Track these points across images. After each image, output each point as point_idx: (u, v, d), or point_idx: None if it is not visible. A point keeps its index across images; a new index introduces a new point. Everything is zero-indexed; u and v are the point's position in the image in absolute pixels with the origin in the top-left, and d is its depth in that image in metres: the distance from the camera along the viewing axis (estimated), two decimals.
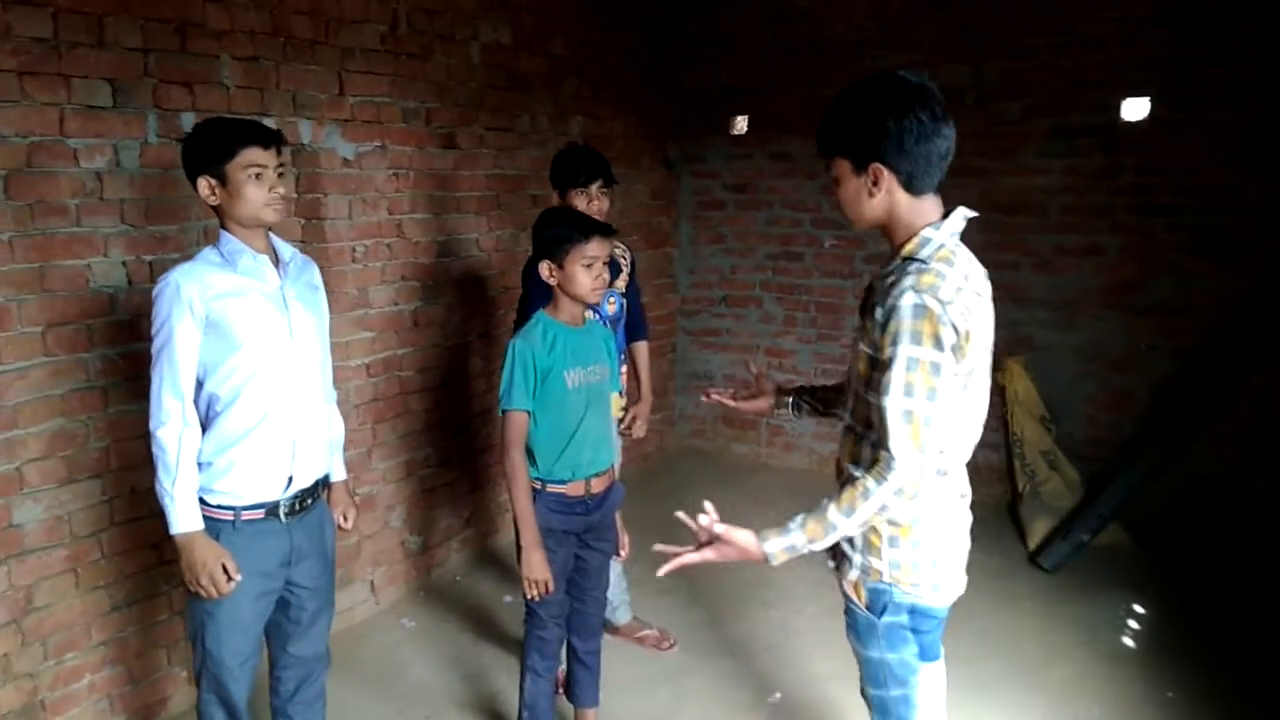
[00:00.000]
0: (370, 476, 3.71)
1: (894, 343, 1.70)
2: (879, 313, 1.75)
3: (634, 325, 3.40)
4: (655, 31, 5.22)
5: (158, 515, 2.83)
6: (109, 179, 2.71)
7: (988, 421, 4.78)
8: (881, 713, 2.06)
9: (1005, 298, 4.58)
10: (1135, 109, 4.25)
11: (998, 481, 4.86)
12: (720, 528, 1.86)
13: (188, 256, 2.85)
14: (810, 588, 3.93)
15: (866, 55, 4.86)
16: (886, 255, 1.90)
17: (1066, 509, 4.33)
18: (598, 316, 3.15)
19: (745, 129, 5.35)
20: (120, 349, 2.78)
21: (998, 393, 4.69)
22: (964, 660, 3.26)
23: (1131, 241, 4.39)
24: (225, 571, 2.14)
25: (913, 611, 1.89)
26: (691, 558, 1.93)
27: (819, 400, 2.29)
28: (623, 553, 2.79)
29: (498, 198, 4.19)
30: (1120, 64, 4.25)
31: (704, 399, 2.46)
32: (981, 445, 4.98)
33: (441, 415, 3.99)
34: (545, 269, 2.47)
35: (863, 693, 2.12)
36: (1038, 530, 4.32)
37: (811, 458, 5.45)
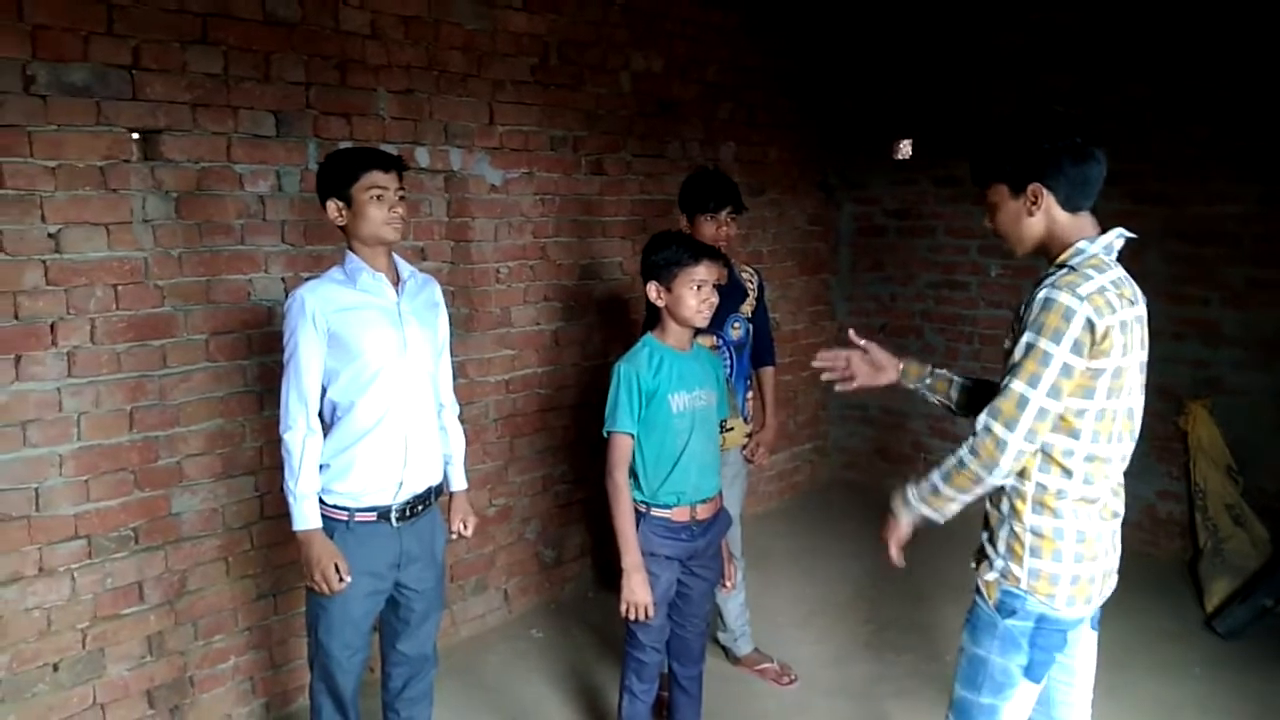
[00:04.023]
0: (506, 489, 3.84)
1: (1024, 329, 1.81)
2: (1024, 310, 1.86)
3: (761, 351, 3.36)
4: (812, 54, 5.16)
5: None
6: (271, 202, 2.96)
7: (1169, 470, 4.40)
8: (962, 717, 2.02)
9: (1191, 335, 4.31)
10: None
11: (1179, 535, 4.45)
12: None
13: None
14: (950, 636, 3.73)
15: (1038, 71, 4.61)
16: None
17: (1251, 569, 3.90)
18: (722, 342, 3.15)
19: (910, 153, 5.18)
20: (276, 357, 2.99)
21: (1179, 439, 4.31)
22: None
23: None
24: (338, 571, 2.29)
25: (1040, 620, 1.91)
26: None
27: (957, 399, 2.24)
28: (729, 583, 2.75)
29: (644, 222, 4.26)
30: None
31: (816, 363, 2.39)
32: (1163, 496, 4.62)
33: (579, 433, 4.08)
34: (653, 290, 2.49)
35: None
36: (1217, 591, 3.92)
37: None
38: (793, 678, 3.44)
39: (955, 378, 2.26)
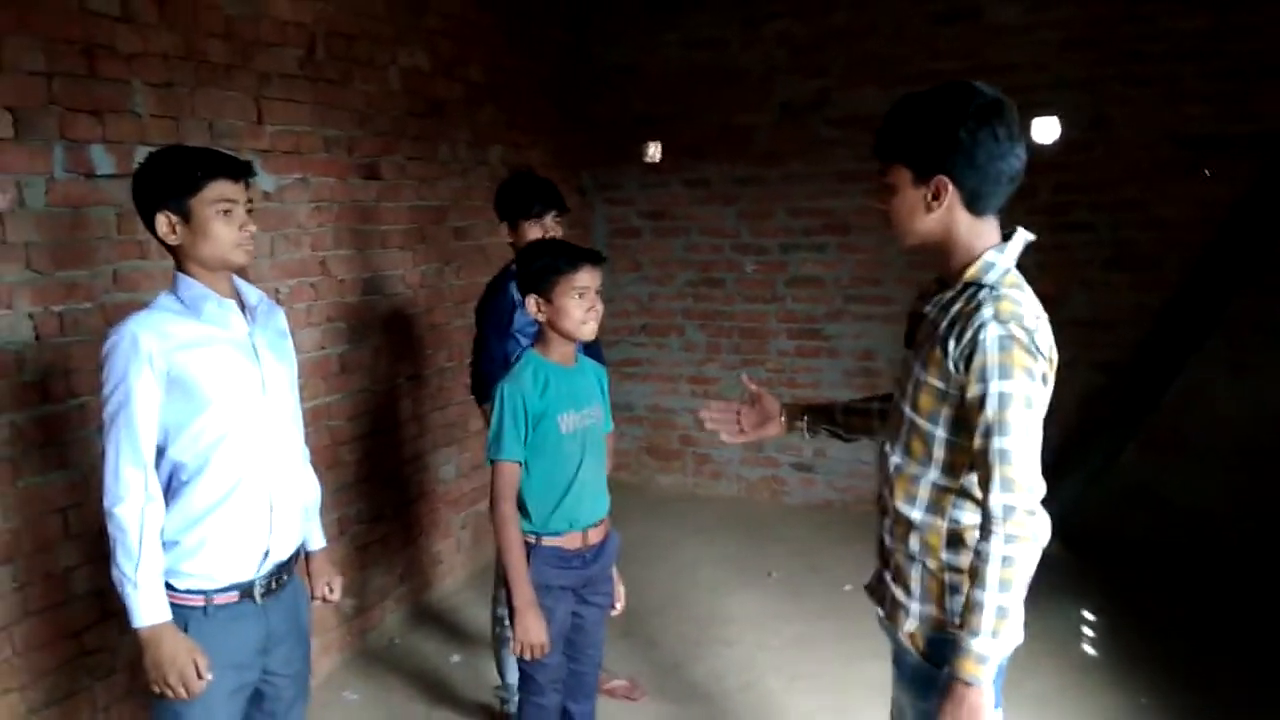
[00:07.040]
0: None
1: (981, 379, 1.58)
2: (953, 345, 1.63)
3: (592, 355, 3.22)
4: (563, 60, 5.10)
5: (80, 599, 2.56)
6: (12, 220, 2.36)
7: None
8: None
9: None
10: (1045, 129, 4.39)
11: None
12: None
13: (99, 306, 2.58)
14: (770, 620, 3.86)
15: (778, 82, 4.88)
16: (934, 280, 1.80)
17: None
18: None
19: (659, 156, 5.26)
20: (29, 413, 2.42)
21: None
22: None
23: (1049, 259, 4.47)
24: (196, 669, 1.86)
25: None
26: None
27: (844, 425, 2.13)
28: (618, 605, 2.60)
29: (421, 231, 3.95)
30: (1033, 87, 4.36)
31: (703, 418, 2.24)
32: None
33: (372, 466, 3.71)
34: (533, 304, 2.28)
35: None
36: None
37: (740, 484, 5.38)
38: (644, 690, 3.35)
39: (838, 404, 2.17)
